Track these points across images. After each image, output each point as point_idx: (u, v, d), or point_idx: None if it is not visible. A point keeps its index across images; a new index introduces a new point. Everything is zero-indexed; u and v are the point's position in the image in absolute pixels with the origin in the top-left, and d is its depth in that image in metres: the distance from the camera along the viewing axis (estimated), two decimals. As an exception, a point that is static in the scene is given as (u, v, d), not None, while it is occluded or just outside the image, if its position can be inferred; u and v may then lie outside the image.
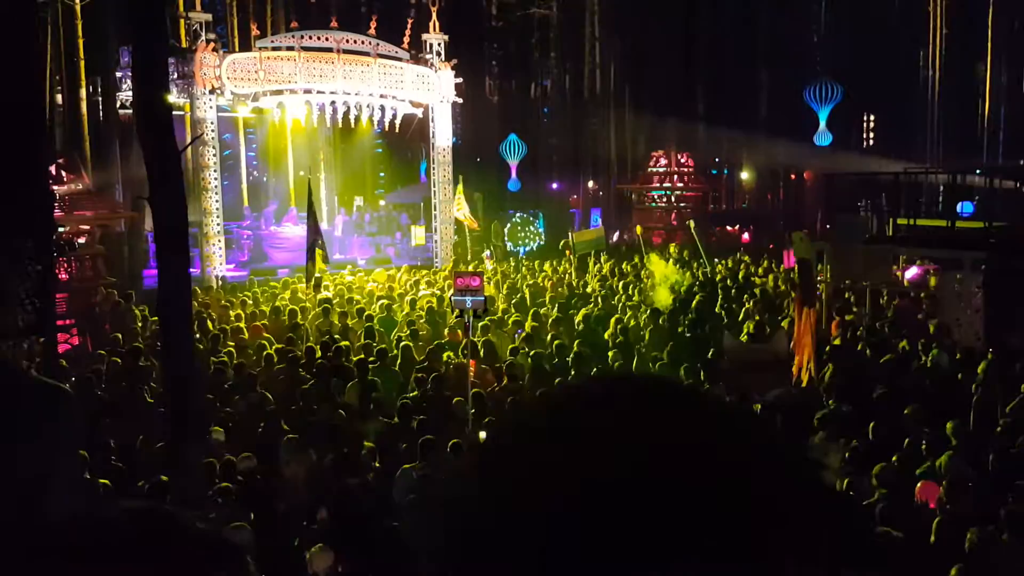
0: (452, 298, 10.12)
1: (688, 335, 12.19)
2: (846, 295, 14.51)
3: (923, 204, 19.21)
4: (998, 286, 11.75)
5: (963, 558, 5.66)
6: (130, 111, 19.36)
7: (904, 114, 33.96)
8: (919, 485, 6.70)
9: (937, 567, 5.75)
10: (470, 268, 21.55)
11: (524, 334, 12.47)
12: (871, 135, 36.63)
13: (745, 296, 15.15)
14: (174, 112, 21.42)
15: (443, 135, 24.78)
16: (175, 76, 20.48)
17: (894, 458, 7.16)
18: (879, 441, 7.75)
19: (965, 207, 18.88)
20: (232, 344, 12.32)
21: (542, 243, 27.70)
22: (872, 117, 36.83)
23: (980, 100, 33.63)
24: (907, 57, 34.96)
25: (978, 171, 21.55)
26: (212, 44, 20.26)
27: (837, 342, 11.62)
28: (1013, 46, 33.04)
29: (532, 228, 27.22)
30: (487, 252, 26.37)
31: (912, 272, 13.52)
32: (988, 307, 11.73)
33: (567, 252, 22.13)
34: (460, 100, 25.03)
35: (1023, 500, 6.25)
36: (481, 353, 11.22)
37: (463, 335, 10.83)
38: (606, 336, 12.46)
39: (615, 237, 31.61)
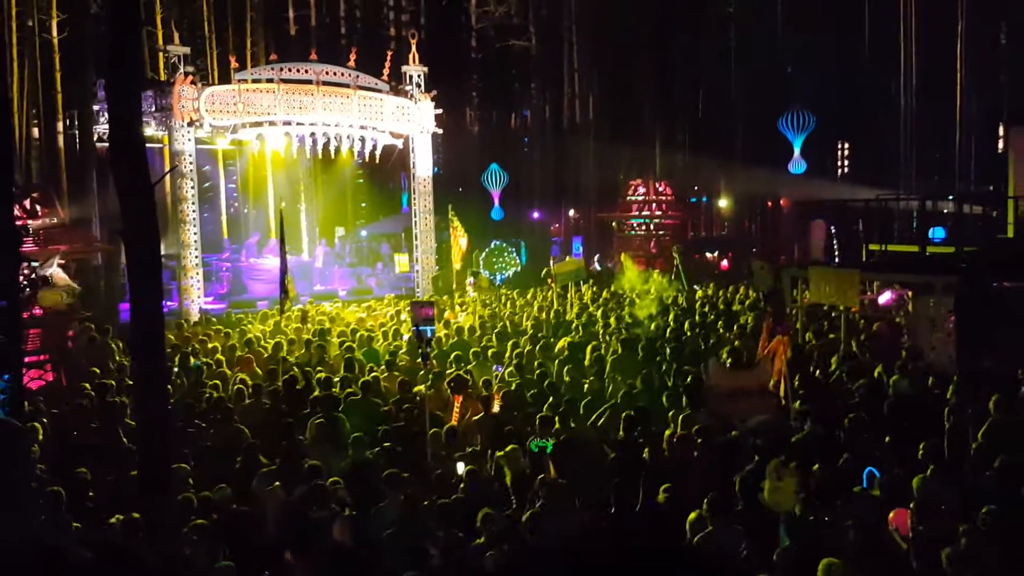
0: (414, 329, 10.10)
1: (666, 362, 12.25)
2: (822, 321, 14.67)
3: (896, 230, 19.45)
4: (969, 310, 11.89)
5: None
6: (107, 144, 19.34)
7: (877, 142, 34.46)
8: (892, 513, 6.75)
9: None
10: (455, 297, 21.68)
11: (508, 369, 12.47)
12: (845, 163, 37.10)
13: (720, 323, 15.26)
14: (153, 145, 21.68)
15: (423, 165, 24.91)
16: (153, 109, 20.56)
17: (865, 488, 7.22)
18: (852, 465, 7.81)
19: (937, 232, 19.16)
20: (209, 378, 12.27)
21: (518, 270, 27.88)
22: (846, 145, 37.33)
23: (952, 128, 34.18)
24: (880, 86, 35.51)
25: (950, 197, 21.87)
26: (191, 77, 20.34)
27: (815, 372, 11.74)
28: (984, 74, 33.66)
29: (508, 256, 27.37)
30: (470, 279, 26.49)
31: (886, 297, 13.68)
32: (959, 331, 11.87)
33: (549, 280, 22.26)
34: (440, 131, 25.21)
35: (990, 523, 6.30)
36: (449, 384, 11.19)
37: (424, 365, 10.81)
38: (585, 364, 12.50)
39: (595, 264, 31.78)
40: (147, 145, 19.09)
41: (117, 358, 13.80)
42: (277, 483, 7.69)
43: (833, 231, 18.96)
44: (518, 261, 28.70)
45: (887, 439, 8.17)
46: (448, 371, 11.96)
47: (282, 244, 14.69)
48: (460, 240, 25.37)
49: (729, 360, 11.04)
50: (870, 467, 7.50)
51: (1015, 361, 10.93)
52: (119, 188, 6.84)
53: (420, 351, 10.19)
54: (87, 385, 11.39)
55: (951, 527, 6.34)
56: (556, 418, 9.19)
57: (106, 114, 19.18)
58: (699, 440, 8.40)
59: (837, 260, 16.13)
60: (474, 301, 20.94)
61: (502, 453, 8.32)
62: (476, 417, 10.12)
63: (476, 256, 28.41)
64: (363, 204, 33.44)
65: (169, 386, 10.64)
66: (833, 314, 14.12)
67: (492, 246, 28.38)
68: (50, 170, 20.35)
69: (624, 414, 9.21)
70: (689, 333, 14.51)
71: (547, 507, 7.03)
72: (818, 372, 11.65)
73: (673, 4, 37.72)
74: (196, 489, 7.92)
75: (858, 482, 7.32)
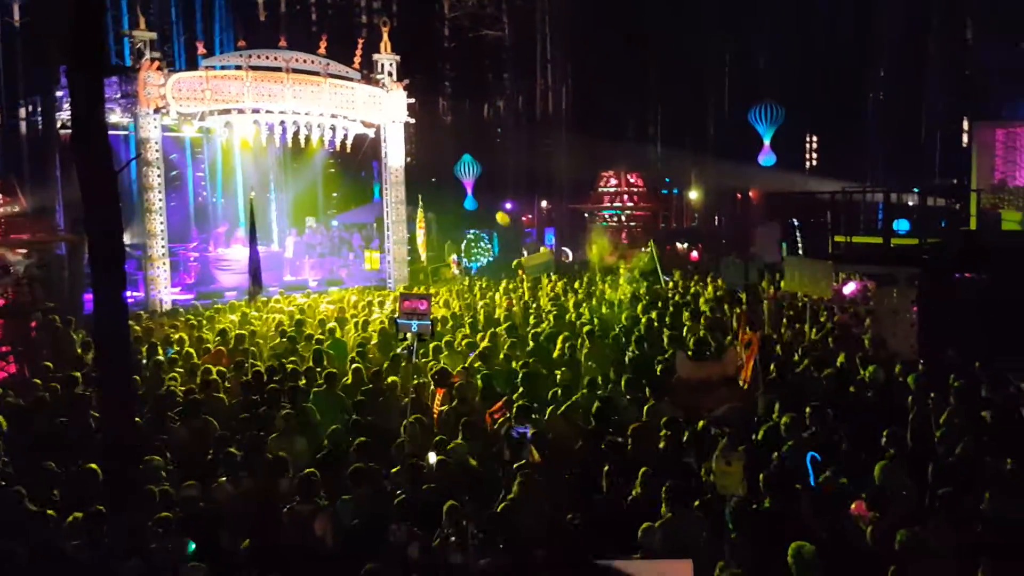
0: (398, 321, 10.04)
1: (636, 353, 12.31)
2: (788, 310, 14.82)
3: (861, 222, 19.69)
4: (931, 301, 12.09)
5: (895, 559, 5.82)
6: (70, 131, 19.05)
7: (845, 136, 34.86)
8: (854, 504, 6.81)
9: (871, 572, 5.91)
10: (422, 289, 21.58)
11: (477, 354, 12.47)
12: (814, 156, 37.45)
13: (687, 314, 15.35)
14: (118, 132, 21.34)
15: (395, 155, 24.79)
16: (118, 95, 20.24)
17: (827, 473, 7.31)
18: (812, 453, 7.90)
19: (901, 224, 19.43)
20: (178, 369, 12.15)
21: (491, 259, 27.95)
22: (815, 139, 37.67)
23: (917, 122, 34.61)
24: (848, 81, 35.86)
25: (915, 190, 22.17)
26: (156, 63, 20.03)
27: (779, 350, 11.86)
28: (949, 70, 34.09)
29: (483, 244, 27.43)
30: (454, 257, 26.49)
31: (850, 288, 13.84)
32: (922, 321, 12.06)
33: (520, 272, 22.28)
34: (412, 120, 25.09)
35: (948, 508, 6.41)
36: (430, 375, 11.19)
37: (407, 359, 10.78)
38: (555, 355, 12.53)
39: (570, 256, 31.87)
40: (113, 132, 18.88)
41: (79, 350, 13.60)
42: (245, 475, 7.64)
43: (797, 223, 19.17)
44: (491, 250, 28.73)
45: (849, 428, 8.26)
46: (424, 361, 11.91)
47: (252, 234, 14.54)
48: (419, 232, 25.32)
49: (691, 351, 11.10)
50: (812, 452, 7.58)
51: (976, 350, 11.11)
52: (81, 176, 6.76)
53: (404, 346, 10.07)
54: (50, 377, 11.22)
55: (910, 513, 6.45)
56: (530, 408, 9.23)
57: (69, 101, 18.92)
58: (664, 431, 8.45)
59: (801, 252, 16.31)
60: (448, 291, 20.89)
61: (458, 443, 8.38)
62: (445, 408, 10.12)
63: (448, 247, 28.42)
64: (335, 194, 33.23)
65: (137, 377, 10.54)
66: (800, 304, 14.26)
67: (471, 235, 28.48)
68: (12, 158, 19.96)
69: (595, 405, 9.27)
70: (658, 324, 14.58)
71: (521, 496, 7.05)
72: (784, 363, 11.77)
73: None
74: (168, 482, 7.84)
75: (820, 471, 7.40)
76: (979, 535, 6.22)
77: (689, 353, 10.95)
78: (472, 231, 28.73)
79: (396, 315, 10.33)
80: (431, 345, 12.88)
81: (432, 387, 10.80)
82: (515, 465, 7.65)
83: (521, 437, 8.10)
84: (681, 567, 3.63)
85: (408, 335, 9.88)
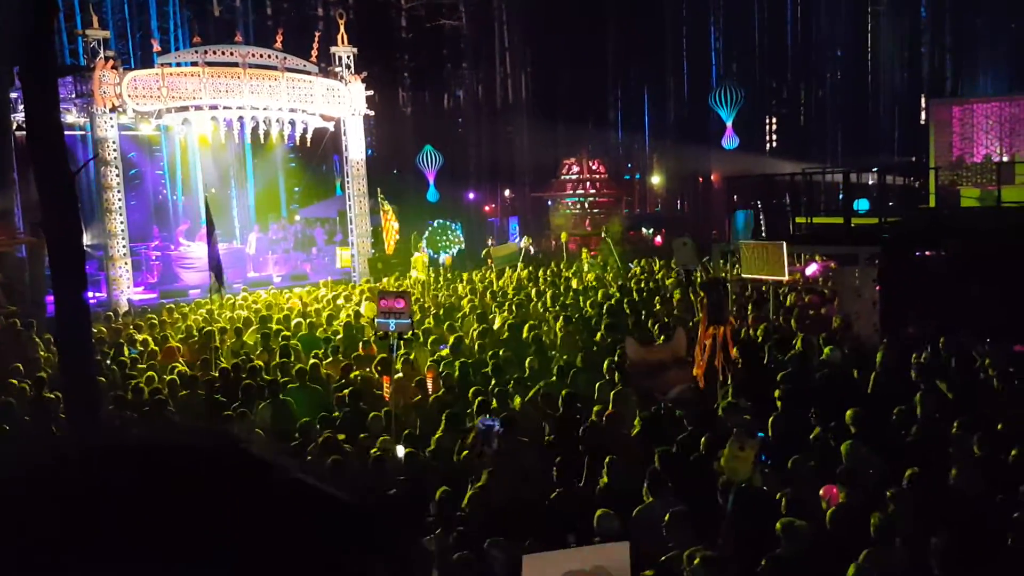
0: (376, 320, 10.00)
1: (605, 339, 12.40)
2: (751, 295, 15.00)
3: (822, 202, 19.94)
4: (891, 279, 12.28)
5: (869, 542, 5.88)
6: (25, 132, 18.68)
7: (804, 117, 35.29)
8: (823, 489, 6.88)
9: (842, 553, 5.98)
10: (391, 281, 21.51)
11: (446, 349, 12.47)
12: (774, 138, 37.85)
13: (657, 299, 15.49)
14: (75, 132, 20.98)
15: (356, 148, 24.64)
16: (73, 95, 19.88)
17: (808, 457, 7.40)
18: (781, 435, 8.03)
19: (861, 204, 19.71)
20: (143, 368, 12.02)
21: (462, 248, 27.86)
22: (774, 121, 38.07)
23: (875, 101, 35.11)
24: (807, 61, 36.28)
25: (874, 169, 22.50)
26: (111, 61, 19.70)
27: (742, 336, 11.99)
28: (905, 49, 34.61)
29: (451, 234, 27.31)
30: (423, 245, 26.34)
31: (812, 269, 14.01)
32: (883, 300, 12.25)
33: (488, 261, 22.31)
34: (372, 113, 24.94)
35: (914, 487, 6.53)
36: (398, 366, 11.19)
37: (388, 355, 10.75)
38: (523, 341, 12.58)
39: (532, 250, 31.91)
40: (70, 132, 18.55)
41: (42, 352, 13.39)
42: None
43: (759, 206, 19.35)
44: (461, 238, 28.62)
45: (815, 409, 8.37)
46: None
47: (210, 231, 14.38)
48: (392, 224, 25.17)
49: (635, 336, 11.12)
50: (760, 432, 7.66)
51: (938, 327, 11.30)
52: (38, 179, 6.65)
53: (388, 343, 10.00)
54: (13, 381, 11.05)
55: (879, 492, 6.54)
56: (494, 400, 9.27)
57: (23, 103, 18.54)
58: (631, 416, 8.53)
59: (764, 235, 16.48)
60: (416, 281, 20.86)
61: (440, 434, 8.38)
62: (415, 399, 10.13)
63: (415, 237, 28.27)
64: (296, 189, 32.93)
65: (102, 378, 10.41)
66: (763, 288, 14.43)
67: (435, 224, 28.28)
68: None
69: (563, 392, 9.32)
70: (628, 310, 14.69)
71: (490, 484, 7.08)
72: (748, 347, 11.90)
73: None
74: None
75: (789, 453, 7.49)
76: (941, 511, 6.32)
77: (636, 338, 10.97)
78: (436, 220, 28.55)
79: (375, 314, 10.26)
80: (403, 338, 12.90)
81: (404, 378, 10.79)
82: (480, 454, 7.68)
83: (488, 430, 8.13)
84: (617, 551, 3.65)
85: (388, 333, 9.82)
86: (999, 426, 7.78)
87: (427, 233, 27.98)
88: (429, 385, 10.54)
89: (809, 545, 5.76)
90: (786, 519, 5.87)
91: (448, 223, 28.50)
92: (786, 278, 12.88)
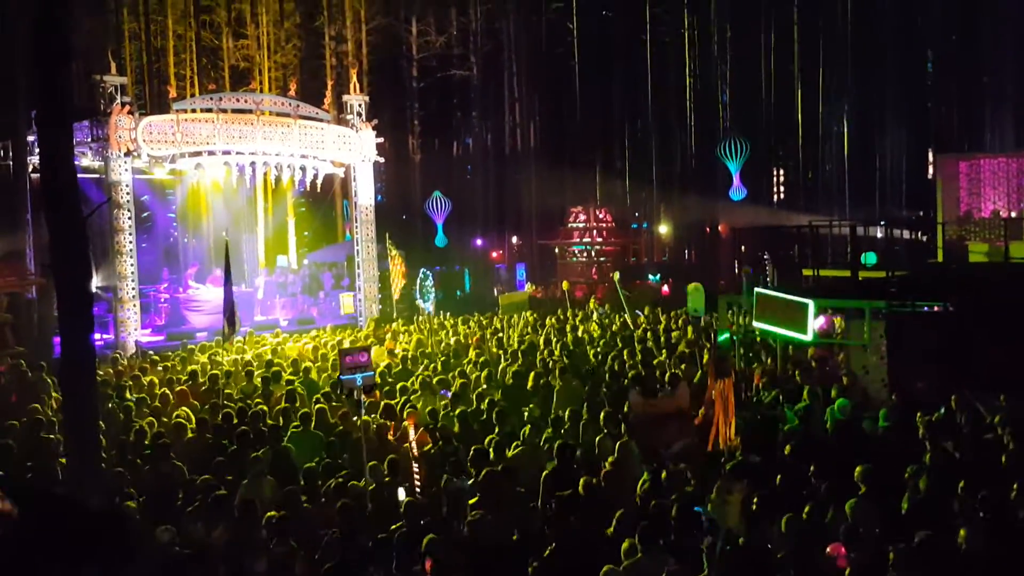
0: (341, 378, 9.85)
1: (606, 390, 12.33)
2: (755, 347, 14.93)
3: (829, 255, 19.93)
4: (899, 334, 12.20)
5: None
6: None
7: (812, 170, 35.45)
8: (830, 547, 6.74)
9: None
10: (395, 327, 21.50)
11: (447, 397, 12.42)
12: (781, 190, 38.01)
13: (664, 351, 15.40)
14: (89, 175, 21.21)
15: (365, 194, 24.85)
16: (89, 139, 20.17)
17: (807, 509, 7.28)
18: (787, 490, 7.91)
19: (869, 257, 19.70)
20: (148, 412, 11.99)
21: (440, 296, 27.78)
22: (781, 172, 38.29)
23: (882, 156, 35.27)
24: (815, 115, 36.54)
25: (882, 223, 22.54)
26: (128, 107, 20.02)
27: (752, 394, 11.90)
28: (912, 103, 34.86)
29: (428, 284, 27.23)
30: (416, 295, 26.31)
31: (819, 322, 13.88)
32: (891, 355, 12.15)
33: (498, 309, 22.35)
34: (382, 159, 25.20)
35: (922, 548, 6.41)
36: (404, 414, 11.14)
37: (356, 414, 10.67)
38: (528, 390, 12.51)
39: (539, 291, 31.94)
40: (84, 175, 18.75)
41: (54, 393, 13.38)
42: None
43: (766, 256, 19.33)
44: (433, 289, 28.55)
45: (819, 464, 8.25)
46: (394, 401, 11.89)
47: (227, 274, 14.45)
48: (400, 269, 25.28)
49: (638, 388, 11.01)
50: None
51: (947, 383, 11.17)
52: (49, 223, 6.72)
53: (349, 400, 9.94)
54: (16, 423, 11.03)
55: (881, 551, 6.43)
56: (490, 451, 9.18)
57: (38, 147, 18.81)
58: (632, 468, 8.43)
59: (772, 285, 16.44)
60: (417, 330, 20.85)
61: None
62: (420, 444, 10.06)
63: (410, 284, 28.35)
64: (306, 233, 33.17)
65: (102, 422, 10.38)
66: (772, 342, 14.35)
67: (421, 274, 28.38)
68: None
69: (558, 443, 9.17)
70: (629, 360, 14.61)
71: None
72: (753, 398, 11.82)
73: (612, 34, 38.44)
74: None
75: (791, 508, 7.36)
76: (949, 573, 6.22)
77: (639, 390, 10.88)
78: (423, 269, 28.61)
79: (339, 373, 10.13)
80: (399, 384, 12.86)
81: (408, 426, 10.73)
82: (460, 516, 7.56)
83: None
84: None
85: (354, 391, 9.69)
86: (1008, 490, 7.64)
87: (417, 282, 28.05)
88: (411, 433, 10.46)
89: None
90: None
91: (426, 271, 28.46)
92: (809, 337, 12.46)
